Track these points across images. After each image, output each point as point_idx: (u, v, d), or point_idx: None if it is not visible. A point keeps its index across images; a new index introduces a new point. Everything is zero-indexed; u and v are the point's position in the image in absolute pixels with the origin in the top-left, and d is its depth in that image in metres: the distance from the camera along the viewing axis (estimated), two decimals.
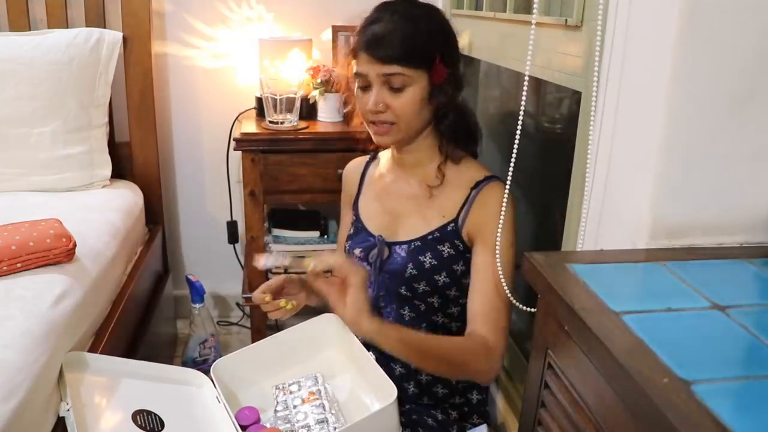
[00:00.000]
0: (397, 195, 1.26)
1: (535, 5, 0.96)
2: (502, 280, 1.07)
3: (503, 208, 1.08)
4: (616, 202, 0.87)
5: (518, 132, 1.01)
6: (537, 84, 1.46)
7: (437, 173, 1.21)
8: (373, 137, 1.19)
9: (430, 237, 1.18)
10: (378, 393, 1.11)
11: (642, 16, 0.81)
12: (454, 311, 1.22)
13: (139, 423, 1.00)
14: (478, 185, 1.17)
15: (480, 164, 1.23)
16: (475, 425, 1.27)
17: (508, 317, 1.16)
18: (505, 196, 1.07)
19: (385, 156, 1.32)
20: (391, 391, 1.04)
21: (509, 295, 1.06)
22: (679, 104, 0.76)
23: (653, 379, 0.53)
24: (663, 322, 0.63)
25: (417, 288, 1.19)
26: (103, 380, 1.08)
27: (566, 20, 1.04)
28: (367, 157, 1.37)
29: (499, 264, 1.07)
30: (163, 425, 1.02)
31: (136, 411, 1.02)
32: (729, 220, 0.82)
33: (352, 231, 1.32)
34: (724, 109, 0.77)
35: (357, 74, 1.15)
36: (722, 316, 0.64)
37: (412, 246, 1.19)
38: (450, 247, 1.17)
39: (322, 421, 1.05)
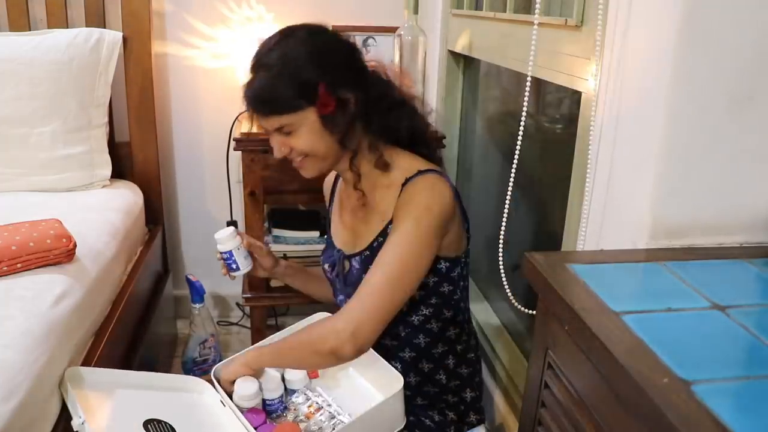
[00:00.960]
0: (349, 208, 1.27)
1: (536, 6, 0.96)
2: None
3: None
4: (616, 202, 0.87)
5: (520, 132, 1.01)
6: (536, 84, 1.46)
7: (356, 194, 1.21)
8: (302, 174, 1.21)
9: (375, 244, 1.17)
10: (382, 383, 1.12)
11: (642, 16, 0.81)
12: (426, 312, 1.19)
13: None
14: (407, 181, 1.14)
15: (416, 160, 1.19)
16: (473, 424, 1.27)
17: (378, 302, 1.07)
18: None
19: None
20: (396, 380, 1.05)
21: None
22: (679, 104, 0.76)
23: (653, 379, 0.53)
24: (663, 322, 0.63)
25: None
26: (107, 393, 1.08)
27: (566, 20, 1.04)
28: None
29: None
30: None
31: (146, 420, 1.02)
32: (729, 220, 0.82)
33: (325, 245, 1.36)
34: (723, 109, 0.77)
35: (262, 127, 1.18)
36: (722, 316, 0.64)
37: (363, 256, 1.19)
38: None
39: (332, 417, 1.09)
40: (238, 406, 1.08)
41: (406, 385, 1.20)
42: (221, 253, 1.31)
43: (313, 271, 1.48)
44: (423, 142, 1.24)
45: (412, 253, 1.08)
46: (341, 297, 1.29)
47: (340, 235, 1.30)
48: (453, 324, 1.23)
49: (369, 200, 1.21)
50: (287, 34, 1.16)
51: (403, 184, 1.14)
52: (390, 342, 1.21)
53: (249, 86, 1.13)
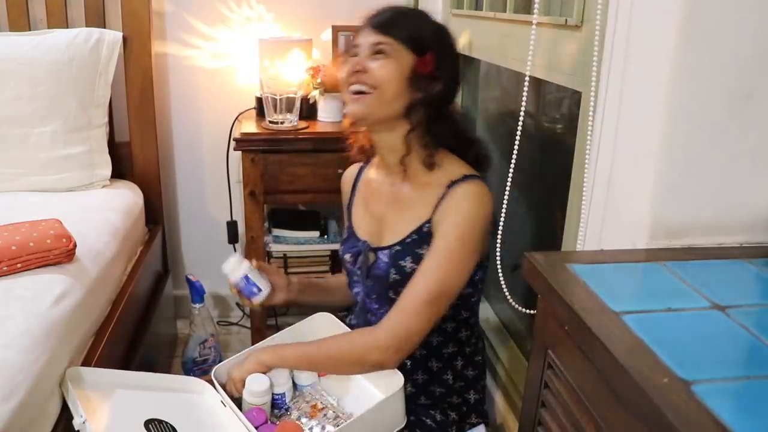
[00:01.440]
0: (382, 199, 1.26)
1: (535, 5, 0.96)
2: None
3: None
4: (616, 202, 0.87)
5: (518, 132, 1.01)
6: (537, 84, 1.46)
7: (398, 167, 1.20)
8: (347, 109, 1.19)
9: (408, 240, 1.18)
10: (383, 383, 1.12)
11: (642, 15, 0.81)
12: (445, 313, 1.18)
13: None
14: (453, 184, 1.14)
15: (462, 165, 1.20)
16: (474, 425, 1.27)
17: (422, 314, 1.09)
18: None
19: (376, 161, 1.32)
20: (396, 379, 1.06)
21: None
22: (679, 104, 0.76)
23: (653, 379, 0.53)
24: (663, 322, 0.63)
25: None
26: (108, 393, 1.08)
27: (566, 20, 1.04)
28: (360, 164, 1.38)
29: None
30: None
31: (147, 420, 1.02)
32: (729, 220, 0.82)
33: (345, 235, 1.34)
34: (723, 108, 0.77)
35: (353, 47, 1.18)
36: (722, 316, 0.64)
37: (393, 251, 1.19)
38: (428, 249, 1.15)
39: (336, 416, 1.10)
40: (247, 403, 1.09)
41: (413, 383, 1.21)
42: (235, 283, 1.22)
43: (322, 284, 1.45)
44: (475, 158, 1.24)
45: (455, 266, 1.10)
46: (357, 289, 1.28)
47: (365, 226, 1.28)
48: (465, 326, 1.24)
49: (405, 194, 1.21)
50: (426, 13, 1.23)
51: (448, 186, 1.15)
52: None
53: (391, 7, 1.18)
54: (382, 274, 1.19)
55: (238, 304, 2.32)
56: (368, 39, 1.15)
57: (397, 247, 1.18)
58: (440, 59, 1.15)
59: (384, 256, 1.20)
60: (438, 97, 1.16)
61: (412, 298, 1.09)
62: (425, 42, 1.15)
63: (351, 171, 1.39)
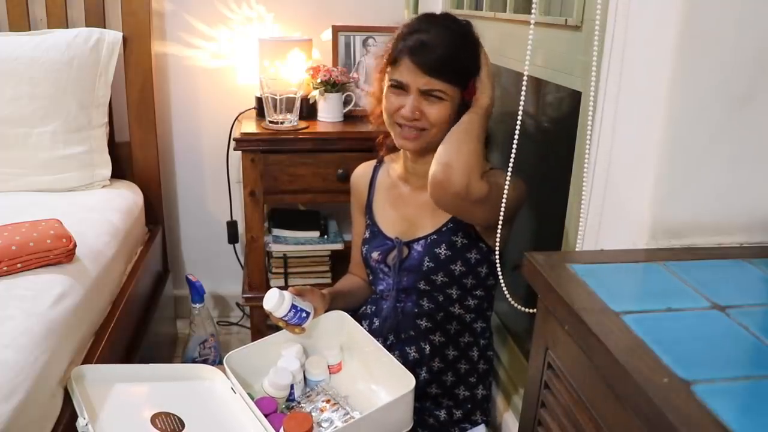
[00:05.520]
0: (414, 204, 1.29)
1: (534, 5, 0.96)
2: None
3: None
4: (616, 202, 0.87)
5: (517, 131, 1.01)
6: (536, 84, 1.46)
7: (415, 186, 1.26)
8: (397, 140, 1.21)
9: (444, 228, 1.23)
10: (392, 383, 1.13)
11: (642, 16, 0.81)
12: (471, 303, 1.26)
13: (159, 426, 1.00)
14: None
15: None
16: (477, 423, 1.28)
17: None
18: (508, 177, 1.06)
19: (395, 163, 1.33)
20: (407, 379, 1.07)
21: None
22: (679, 104, 0.76)
23: (653, 379, 0.53)
24: (663, 322, 0.63)
25: (435, 280, 1.23)
26: (115, 389, 1.07)
27: (566, 20, 1.04)
28: (372, 162, 1.39)
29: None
30: (183, 425, 1.02)
31: (154, 415, 1.01)
32: (729, 220, 0.82)
33: (368, 235, 1.35)
34: (724, 109, 0.77)
35: (395, 80, 1.17)
36: (722, 316, 0.64)
37: (429, 240, 1.24)
38: (463, 237, 1.22)
39: (346, 413, 1.11)
40: (262, 393, 1.11)
41: (429, 370, 1.26)
42: (283, 317, 1.17)
43: (345, 289, 1.44)
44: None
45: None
46: (383, 286, 1.31)
47: (394, 225, 1.31)
48: (482, 318, 1.30)
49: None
50: (453, 18, 1.20)
51: None
52: (425, 324, 1.26)
53: (428, 36, 1.13)
54: (416, 264, 1.24)
55: (238, 304, 2.32)
56: (418, 81, 1.14)
57: (434, 236, 1.23)
58: (478, 79, 1.17)
59: (418, 246, 1.25)
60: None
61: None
62: (469, 73, 1.16)
63: (363, 171, 1.41)
